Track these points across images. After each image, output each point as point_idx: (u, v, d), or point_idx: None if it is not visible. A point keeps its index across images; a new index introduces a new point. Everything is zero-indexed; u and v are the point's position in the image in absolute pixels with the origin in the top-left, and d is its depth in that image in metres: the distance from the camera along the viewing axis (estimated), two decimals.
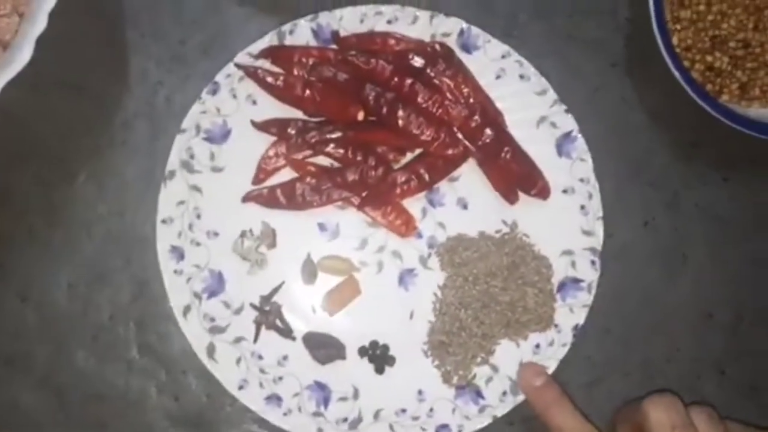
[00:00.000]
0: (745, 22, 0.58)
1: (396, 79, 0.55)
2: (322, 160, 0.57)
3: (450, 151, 0.55)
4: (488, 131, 0.56)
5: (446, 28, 0.57)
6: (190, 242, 0.55)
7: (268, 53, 0.55)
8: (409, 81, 0.55)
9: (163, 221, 0.55)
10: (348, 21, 0.57)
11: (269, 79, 0.55)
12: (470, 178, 0.58)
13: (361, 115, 0.54)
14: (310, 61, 0.56)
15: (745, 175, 0.61)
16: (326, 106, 0.55)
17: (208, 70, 0.58)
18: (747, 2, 0.59)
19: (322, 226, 0.57)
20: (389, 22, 0.57)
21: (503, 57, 0.58)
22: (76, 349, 0.58)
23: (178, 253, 0.55)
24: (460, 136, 0.56)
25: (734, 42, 0.58)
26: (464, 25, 0.57)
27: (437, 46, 0.56)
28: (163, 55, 0.59)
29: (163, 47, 0.59)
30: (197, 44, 0.59)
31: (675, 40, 0.58)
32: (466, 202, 0.58)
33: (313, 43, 0.57)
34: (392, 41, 0.56)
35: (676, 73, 0.55)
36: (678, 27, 0.59)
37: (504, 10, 0.61)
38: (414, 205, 0.57)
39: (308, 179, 0.55)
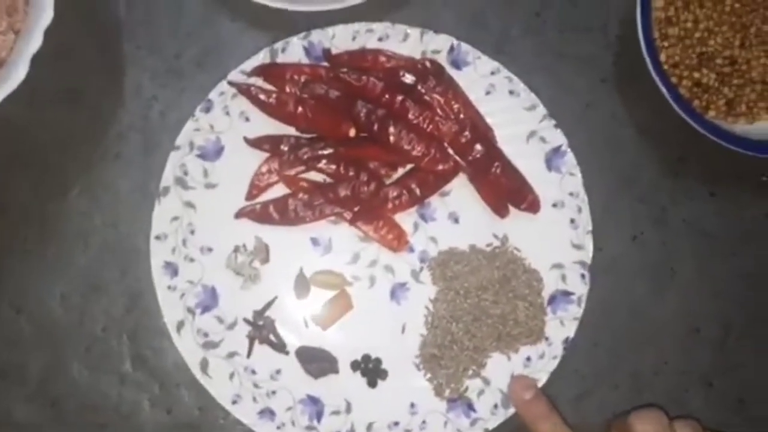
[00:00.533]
0: (731, 39, 0.59)
1: (387, 95, 0.56)
2: (315, 176, 0.57)
3: (440, 167, 0.56)
4: (478, 147, 0.56)
5: (436, 45, 0.58)
6: (183, 258, 0.56)
7: (261, 71, 0.56)
8: (399, 98, 0.56)
9: (157, 237, 0.55)
10: (340, 39, 0.57)
11: (262, 97, 0.56)
12: (461, 192, 0.58)
13: (352, 132, 0.55)
14: (302, 79, 0.56)
15: (731, 191, 0.62)
16: (318, 122, 0.56)
17: (202, 84, 0.58)
18: (733, 20, 0.59)
19: (314, 241, 0.57)
20: (380, 39, 0.58)
21: (493, 73, 0.58)
22: (71, 361, 0.58)
23: (172, 269, 0.55)
24: (450, 151, 0.56)
25: (721, 59, 0.59)
26: (454, 41, 0.58)
27: (428, 63, 0.57)
28: (159, 68, 0.60)
29: (159, 60, 0.60)
30: (192, 58, 0.60)
31: (663, 57, 0.59)
32: (457, 216, 0.58)
33: (305, 60, 0.57)
34: (383, 58, 0.57)
35: (664, 90, 0.56)
36: (666, 44, 0.59)
37: (495, 26, 0.62)
38: (406, 219, 0.58)
39: (300, 195, 0.56)
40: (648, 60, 0.56)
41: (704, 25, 0.59)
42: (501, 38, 0.62)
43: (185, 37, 0.60)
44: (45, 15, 0.51)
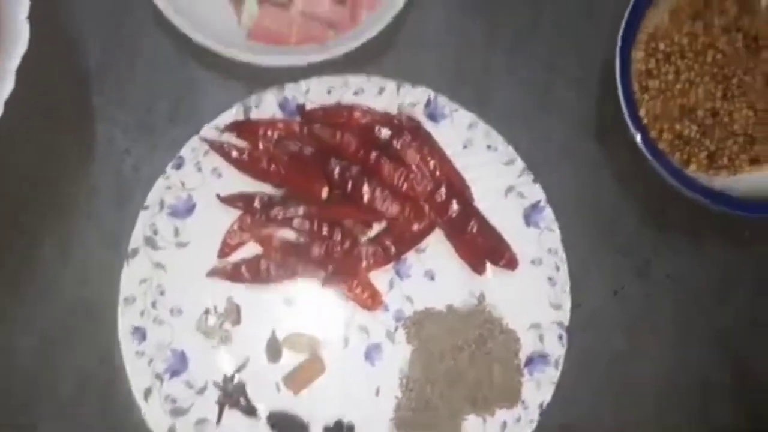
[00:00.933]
0: (713, 91, 0.58)
1: (361, 152, 0.55)
2: (289, 233, 0.56)
3: (416, 226, 0.55)
4: (454, 205, 0.55)
5: (413, 98, 0.57)
6: (152, 321, 0.54)
7: (233, 127, 0.55)
8: (374, 154, 0.55)
9: (126, 300, 0.54)
10: (314, 93, 0.56)
11: (234, 153, 0.55)
12: (438, 248, 0.57)
13: (325, 193, 0.54)
14: (275, 135, 0.55)
15: (716, 244, 0.61)
16: (291, 181, 0.55)
17: (175, 138, 0.57)
18: (715, 71, 0.58)
19: (288, 301, 0.56)
20: (356, 93, 0.57)
21: (470, 127, 0.57)
22: (39, 419, 0.57)
23: (140, 334, 0.54)
24: (426, 210, 0.55)
25: (703, 111, 0.58)
26: (431, 94, 0.57)
27: (404, 118, 0.56)
28: (130, 122, 0.59)
29: (130, 114, 0.59)
30: (164, 112, 0.59)
31: (643, 110, 0.58)
32: (433, 274, 0.57)
33: (279, 115, 0.56)
34: (358, 114, 0.56)
35: (642, 146, 0.55)
36: (646, 96, 0.58)
37: (475, 76, 0.61)
38: (381, 277, 0.57)
39: (273, 254, 0.55)
40: (627, 116, 0.55)
41: (686, 77, 0.58)
42: (480, 88, 0.61)
43: (157, 91, 0.59)
44: (14, 57, 0.50)
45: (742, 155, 0.58)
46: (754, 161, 0.58)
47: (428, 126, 0.57)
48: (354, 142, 0.55)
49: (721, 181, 0.58)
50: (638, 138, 0.55)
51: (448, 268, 0.57)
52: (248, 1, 0.59)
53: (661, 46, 0.58)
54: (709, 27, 0.58)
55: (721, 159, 0.58)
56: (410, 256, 0.57)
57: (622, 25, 0.55)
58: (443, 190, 0.55)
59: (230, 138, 0.56)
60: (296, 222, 0.55)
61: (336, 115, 0.56)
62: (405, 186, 0.55)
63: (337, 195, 0.55)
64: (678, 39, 0.58)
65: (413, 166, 0.55)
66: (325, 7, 0.60)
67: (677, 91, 0.58)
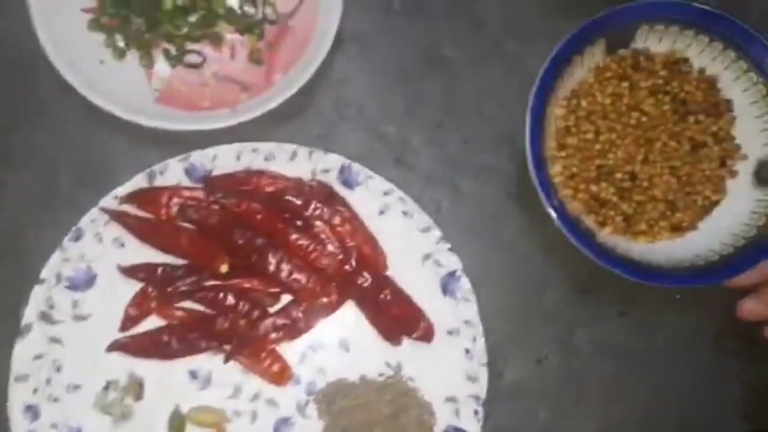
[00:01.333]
0: (633, 153, 0.56)
1: (268, 222, 0.53)
2: (193, 305, 0.54)
3: (323, 300, 0.53)
4: (365, 275, 0.54)
5: (326, 164, 0.55)
6: (47, 398, 0.52)
7: (134, 197, 0.53)
8: (280, 225, 0.53)
9: (17, 379, 0.52)
10: (223, 159, 0.55)
11: (136, 224, 0.53)
12: (353, 318, 0.55)
13: (224, 268, 0.52)
14: (178, 204, 0.53)
15: (642, 309, 0.59)
16: (192, 253, 0.53)
17: (80, 206, 0.55)
18: (638, 133, 0.57)
19: (192, 374, 0.54)
20: (267, 159, 0.55)
21: (386, 193, 0.56)
22: None
23: (33, 413, 0.52)
24: (334, 282, 0.53)
25: (621, 173, 0.56)
26: (345, 161, 0.55)
27: (316, 185, 0.54)
28: (35, 189, 0.57)
29: (35, 180, 0.57)
30: (70, 178, 0.57)
31: (559, 167, 0.56)
32: (348, 344, 0.55)
33: (186, 182, 0.54)
34: (266, 182, 0.54)
35: (550, 211, 0.52)
36: (563, 154, 0.56)
37: (395, 137, 0.60)
38: (293, 348, 0.55)
39: (176, 327, 0.53)
40: (534, 177, 0.52)
41: (605, 138, 0.56)
42: (401, 149, 0.59)
43: (64, 157, 0.57)
44: None
45: (661, 222, 0.56)
46: (676, 228, 0.56)
47: (343, 192, 0.55)
48: (261, 211, 0.53)
49: (638, 248, 0.56)
50: (544, 200, 0.52)
51: (364, 339, 0.55)
52: (160, 63, 0.58)
53: (583, 103, 0.56)
54: (635, 88, 0.57)
55: (639, 224, 0.56)
56: (324, 326, 0.55)
57: (535, 84, 0.53)
58: (353, 260, 0.53)
59: (132, 207, 0.54)
60: (200, 294, 0.53)
61: (241, 183, 0.54)
62: (313, 256, 0.53)
63: (241, 266, 0.53)
64: (601, 99, 0.56)
65: (322, 236, 0.54)
66: (241, 68, 0.58)
67: (596, 152, 0.56)
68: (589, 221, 0.56)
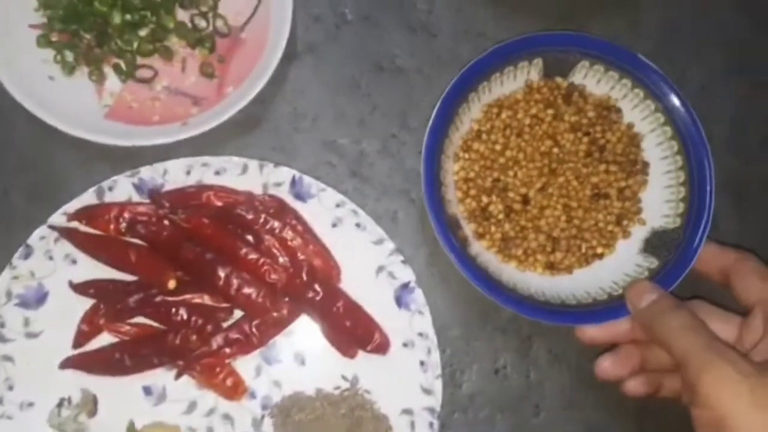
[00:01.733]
0: (534, 179, 0.55)
1: (217, 236, 0.53)
2: (144, 321, 0.54)
3: (274, 314, 0.52)
4: (317, 287, 0.53)
5: (278, 177, 0.55)
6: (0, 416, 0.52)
7: (83, 213, 0.53)
8: (229, 240, 0.53)
9: None
10: (173, 174, 0.54)
11: (85, 240, 0.53)
12: (307, 332, 0.55)
13: (172, 284, 0.51)
14: (127, 220, 0.53)
15: None
16: (142, 268, 0.53)
17: (32, 222, 0.55)
18: (544, 162, 0.56)
19: (147, 390, 0.54)
20: (218, 173, 0.55)
21: (338, 205, 0.55)
22: None
23: None
24: (286, 297, 0.53)
25: (515, 194, 0.55)
26: (296, 174, 0.55)
27: (266, 198, 0.54)
28: None
29: None
30: (22, 195, 0.57)
31: (456, 167, 0.56)
32: (303, 358, 0.55)
33: (136, 198, 0.54)
34: (215, 196, 0.54)
35: (428, 207, 0.52)
36: (466, 156, 0.56)
37: (350, 149, 0.59)
38: (248, 362, 0.54)
39: (128, 343, 0.53)
40: (423, 171, 0.52)
41: (512, 154, 0.56)
42: (356, 160, 0.59)
43: (14, 173, 0.57)
44: None
45: (538, 255, 0.55)
46: (550, 267, 0.55)
47: (296, 206, 0.55)
48: (210, 226, 0.53)
49: (508, 272, 0.54)
50: (426, 200, 0.51)
51: (319, 352, 0.55)
52: (110, 78, 0.58)
53: (503, 115, 0.56)
54: (558, 119, 0.56)
55: (516, 249, 0.55)
56: (278, 340, 0.55)
57: (451, 83, 0.53)
58: (304, 274, 0.53)
59: (80, 224, 0.53)
60: (150, 310, 0.52)
61: (191, 197, 0.54)
62: (262, 271, 0.53)
63: (192, 281, 0.53)
64: (522, 116, 0.56)
65: (273, 250, 0.53)
66: (192, 81, 0.58)
67: (498, 165, 0.56)
68: (468, 229, 0.55)
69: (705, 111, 0.59)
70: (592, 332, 0.53)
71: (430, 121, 0.53)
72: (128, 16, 0.57)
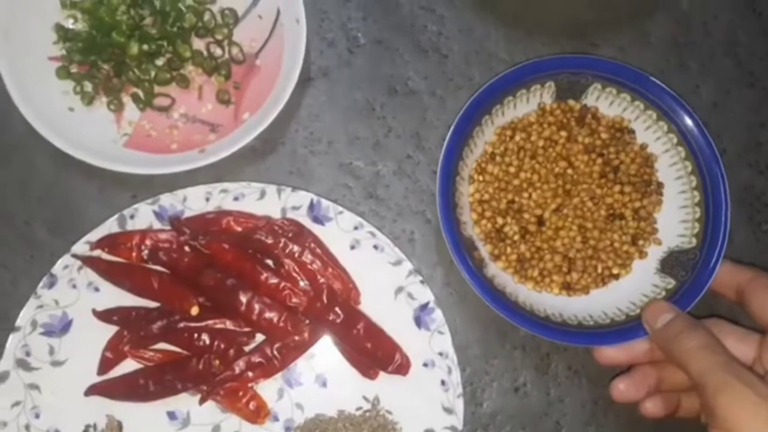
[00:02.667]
0: (548, 200, 0.56)
1: (238, 262, 0.53)
2: (167, 347, 0.54)
3: (296, 338, 0.53)
4: (337, 310, 0.54)
5: (296, 201, 0.56)
6: None
7: (106, 242, 0.54)
8: (249, 265, 0.53)
9: None
10: (192, 201, 0.55)
11: (108, 268, 0.54)
12: (328, 354, 0.56)
13: (195, 311, 0.52)
14: (149, 247, 0.54)
15: None
16: (164, 295, 0.53)
17: (54, 251, 0.56)
18: (559, 183, 0.56)
19: (171, 415, 0.54)
20: (236, 198, 0.56)
21: (356, 228, 0.56)
22: None
23: None
24: (306, 320, 0.54)
25: (530, 215, 0.56)
26: (314, 197, 0.56)
27: (285, 222, 0.55)
28: (8, 234, 0.57)
29: (8, 226, 0.58)
30: (43, 224, 0.58)
31: (471, 189, 0.56)
32: (324, 380, 0.55)
33: (157, 225, 0.55)
34: (233, 221, 0.54)
35: (442, 224, 0.52)
36: (481, 178, 0.56)
37: (367, 169, 0.60)
38: (270, 385, 0.55)
39: (152, 370, 0.53)
40: (438, 194, 0.52)
41: (526, 176, 0.56)
42: (372, 182, 0.60)
43: (36, 202, 0.58)
44: None
45: (554, 276, 0.55)
46: (566, 288, 0.55)
47: (314, 229, 0.56)
48: (230, 252, 0.53)
49: (525, 291, 0.55)
50: (442, 221, 0.52)
51: (340, 373, 0.55)
52: (128, 107, 0.59)
53: (517, 137, 0.57)
54: (572, 141, 0.57)
55: (531, 270, 0.55)
56: (300, 362, 0.55)
57: (464, 107, 0.54)
58: (324, 297, 0.54)
59: (103, 252, 0.54)
60: (173, 336, 0.53)
61: (211, 224, 0.54)
62: (283, 295, 0.53)
63: (213, 306, 0.53)
64: (535, 138, 0.57)
65: (293, 274, 0.54)
66: (209, 108, 0.59)
67: (512, 186, 0.56)
68: (484, 251, 0.55)
69: (718, 125, 0.60)
70: (611, 353, 0.53)
71: (445, 145, 0.53)
72: (145, 46, 0.58)
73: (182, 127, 0.58)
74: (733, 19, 0.64)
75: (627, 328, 0.52)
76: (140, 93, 0.58)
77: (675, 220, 0.56)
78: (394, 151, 0.61)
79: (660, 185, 0.57)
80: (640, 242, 0.56)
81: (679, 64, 0.63)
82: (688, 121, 0.55)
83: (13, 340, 0.53)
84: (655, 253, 0.56)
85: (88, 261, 0.54)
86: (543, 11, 0.62)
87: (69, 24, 0.59)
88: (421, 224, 0.59)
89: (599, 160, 0.57)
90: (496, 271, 0.55)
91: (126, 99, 0.59)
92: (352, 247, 0.56)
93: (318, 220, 0.56)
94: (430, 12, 0.63)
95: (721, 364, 0.45)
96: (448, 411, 0.54)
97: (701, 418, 0.48)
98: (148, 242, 0.54)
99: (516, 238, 0.55)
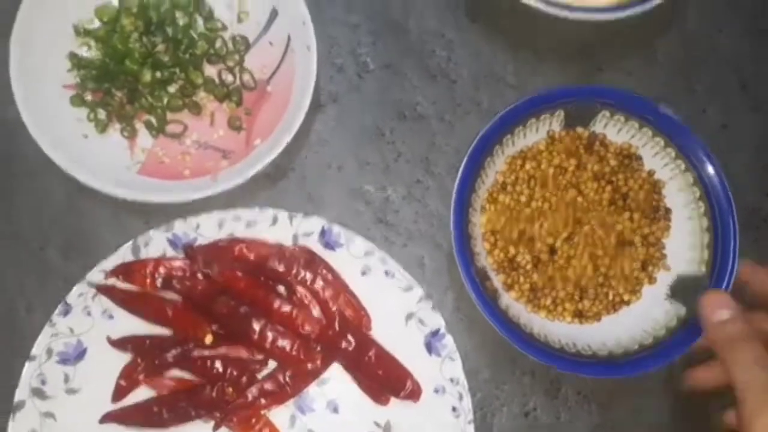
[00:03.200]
0: (560, 229, 0.56)
1: (251, 289, 0.54)
2: (181, 374, 0.55)
3: (308, 366, 0.53)
4: (349, 337, 0.54)
5: (307, 228, 0.56)
6: None
7: (120, 270, 0.54)
8: (262, 293, 0.54)
9: None
10: (206, 228, 0.56)
11: (122, 296, 0.54)
12: (340, 380, 0.56)
13: (209, 339, 0.53)
14: (163, 274, 0.54)
15: None
16: (176, 323, 0.54)
17: (68, 278, 0.56)
18: (569, 212, 0.56)
19: None
20: (249, 225, 0.56)
21: (367, 254, 0.56)
22: None
23: None
24: (318, 347, 0.54)
25: (542, 244, 0.56)
26: (325, 224, 0.56)
27: (296, 250, 0.55)
28: (23, 259, 0.58)
29: (23, 251, 0.58)
30: (58, 250, 0.58)
31: (483, 219, 0.56)
32: (336, 405, 0.56)
33: (170, 253, 0.55)
34: (245, 249, 0.55)
35: (457, 257, 0.52)
36: (492, 208, 0.57)
37: (377, 194, 0.61)
38: (282, 412, 0.55)
39: (166, 397, 0.54)
40: (452, 227, 0.53)
41: (537, 205, 0.56)
42: (382, 207, 0.60)
43: (51, 228, 0.58)
44: None
45: (567, 304, 0.56)
46: (579, 315, 0.56)
47: (325, 254, 0.56)
48: (243, 280, 0.54)
49: (538, 321, 0.55)
50: (456, 252, 0.52)
51: (352, 399, 0.56)
52: (142, 134, 0.59)
53: (527, 166, 0.57)
54: (581, 168, 0.57)
55: (544, 298, 0.56)
56: (311, 389, 0.56)
57: (475, 140, 0.54)
58: (336, 324, 0.54)
59: (117, 280, 0.55)
60: (187, 364, 0.54)
61: (224, 251, 0.55)
62: (296, 323, 0.54)
63: (227, 334, 0.54)
64: (545, 167, 0.57)
65: (305, 301, 0.55)
66: (221, 135, 0.60)
67: (524, 216, 0.56)
68: (497, 281, 0.56)
69: (725, 148, 0.60)
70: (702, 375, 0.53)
71: (457, 180, 0.54)
72: (158, 74, 0.58)
73: (194, 154, 0.59)
74: (740, 41, 0.64)
75: (641, 357, 0.53)
76: (153, 120, 0.59)
77: (683, 246, 0.57)
78: (404, 175, 0.61)
79: (668, 210, 0.58)
80: (650, 268, 0.57)
81: (686, 87, 0.63)
82: (695, 149, 0.56)
83: (28, 369, 0.53)
84: (664, 279, 0.57)
85: (102, 289, 0.54)
86: (550, 35, 0.63)
87: (83, 52, 0.59)
88: (431, 249, 0.60)
89: (608, 188, 0.57)
90: (509, 301, 0.55)
91: (139, 125, 0.59)
92: (363, 273, 0.56)
93: (329, 245, 0.56)
94: (438, 37, 0.63)
95: (765, 383, 0.45)
96: None
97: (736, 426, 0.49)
98: (162, 270, 0.55)
99: (528, 267, 0.56)
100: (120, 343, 0.54)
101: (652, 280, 0.57)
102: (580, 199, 0.57)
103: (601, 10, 0.58)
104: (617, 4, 0.58)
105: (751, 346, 0.48)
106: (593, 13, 0.58)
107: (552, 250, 0.56)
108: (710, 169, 0.55)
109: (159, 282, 0.54)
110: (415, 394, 0.55)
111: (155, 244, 0.55)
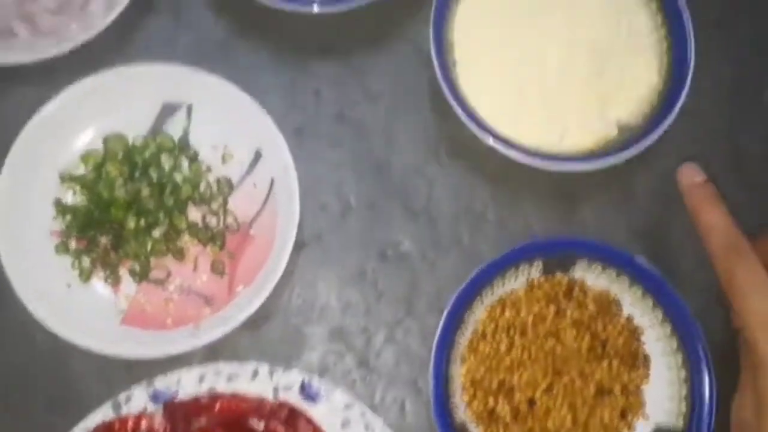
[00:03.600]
0: (539, 380, 0.56)
1: None
2: None
3: None
4: None
5: (287, 381, 0.57)
6: None
7: (100, 430, 0.54)
8: None
9: None
10: (186, 383, 0.56)
11: None
12: None
13: None
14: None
15: None
16: None
17: (52, 427, 0.56)
18: (548, 361, 0.57)
19: None
20: (230, 379, 0.56)
21: (347, 406, 0.57)
22: None
23: None
24: None
25: (521, 395, 0.56)
26: (305, 378, 0.57)
27: (276, 406, 0.56)
28: (7, 416, 0.58)
29: (7, 408, 0.58)
30: (41, 404, 0.58)
31: (463, 369, 0.57)
32: None
33: (151, 407, 0.56)
34: (223, 405, 0.55)
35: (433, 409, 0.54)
36: (472, 357, 0.57)
37: (358, 336, 0.61)
38: None
39: None
40: (431, 390, 0.54)
41: (516, 355, 0.57)
42: (363, 350, 0.60)
43: (33, 382, 0.58)
44: None
45: None
46: None
47: (306, 406, 0.57)
48: None
49: None
50: (435, 418, 0.54)
51: None
52: (125, 281, 0.60)
53: (507, 314, 0.58)
54: (560, 315, 0.58)
55: None
56: None
57: (454, 297, 0.55)
58: None
59: None
60: None
61: (203, 409, 0.55)
62: None
63: None
64: (525, 314, 0.57)
65: None
66: (203, 280, 0.60)
67: (503, 366, 0.57)
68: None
69: (703, 284, 0.59)
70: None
71: (435, 340, 0.54)
72: (141, 222, 0.59)
73: (177, 300, 0.59)
74: (720, 171, 0.64)
75: None
76: (136, 266, 0.60)
77: (662, 396, 0.57)
78: (386, 316, 0.61)
79: (647, 358, 0.58)
80: (629, 416, 0.57)
81: (664, 222, 0.64)
82: (673, 301, 0.56)
83: None
84: (643, 429, 0.57)
85: None
86: (527, 172, 0.63)
87: (69, 196, 0.60)
88: (412, 393, 0.60)
89: (587, 336, 0.57)
90: None
91: (122, 272, 0.60)
92: (343, 426, 0.57)
93: (310, 397, 0.57)
94: (420, 175, 0.64)
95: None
96: None
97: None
98: (143, 426, 0.55)
99: (508, 419, 0.56)
100: None
101: (630, 428, 0.57)
102: (559, 348, 0.57)
103: (577, 159, 0.60)
104: (592, 153, 0.60)
105: (718, 207, 0.54)
106: (568, 163, 0.59)
107: (531, 402, 0.57)
108: (687, 322, 0.56)
109: None
110: None
111: (136, 400, 0.55)
